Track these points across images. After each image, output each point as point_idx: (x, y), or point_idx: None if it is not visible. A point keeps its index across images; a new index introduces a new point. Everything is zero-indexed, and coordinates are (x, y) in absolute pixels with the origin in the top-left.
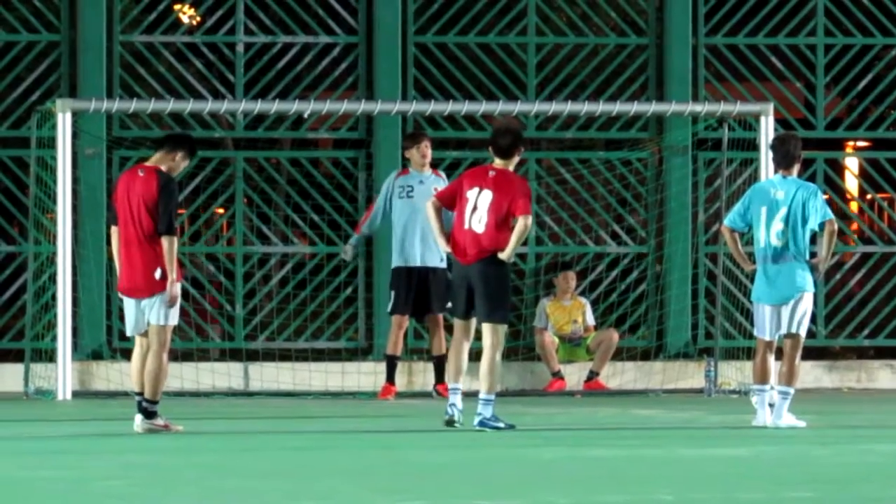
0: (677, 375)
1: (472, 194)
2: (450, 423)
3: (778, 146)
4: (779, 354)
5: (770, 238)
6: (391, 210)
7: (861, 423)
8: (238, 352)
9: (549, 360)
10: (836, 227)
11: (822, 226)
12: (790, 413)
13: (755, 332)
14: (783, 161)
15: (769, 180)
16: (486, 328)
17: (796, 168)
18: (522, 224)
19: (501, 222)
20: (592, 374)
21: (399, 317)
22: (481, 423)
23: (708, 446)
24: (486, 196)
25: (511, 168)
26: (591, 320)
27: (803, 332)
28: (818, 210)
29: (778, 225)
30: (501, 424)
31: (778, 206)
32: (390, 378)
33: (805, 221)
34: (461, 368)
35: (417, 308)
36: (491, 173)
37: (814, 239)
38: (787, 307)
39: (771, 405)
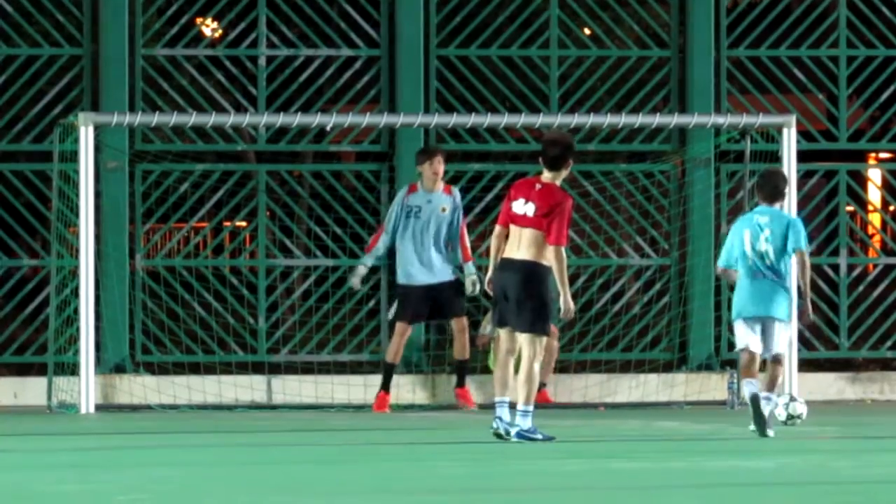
0: (700, 388)
1: (517, 206)
2: (498, 435)
3: (765, 182)
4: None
5: (755, 256)
6: (398, 228)
7: (884, 435)
8: (261, 365)
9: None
10: (807, 258)
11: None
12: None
13: (737, 347)
14: (770, 195)
15: (752, 210)
16: (526, 339)
17: (780, 203)
18: (555, 259)
19: (541, 237)
20: (539, 386)
21: (403, 325)
22: (519, 435)
23: (731, 458)
24: (531, 208)
25: (558, 182)
26: None
27: (785, 352)
28: (794, 237)
29: (763, 245)
30: (539, 437)
31: (762, 229)
32: (385, 386)
33: (785, 244)
34: (507, 381)
35: (433, 316)
36: (537, 186)
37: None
38: (767, 327)
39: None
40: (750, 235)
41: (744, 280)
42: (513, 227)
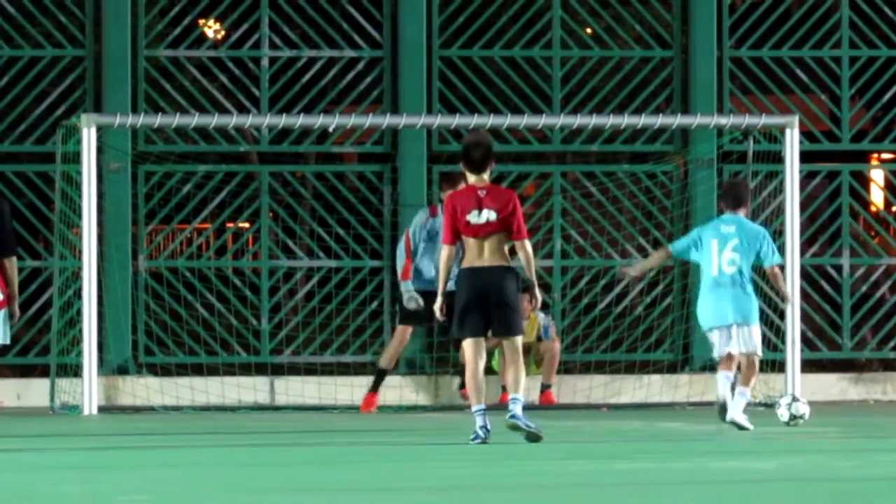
0: (703, 388)
1: (473, 217)
2: (483, 443)
3: (728, 190)
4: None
5: (722, 266)
6: (418, 249)
7: (886, 435)
8: (264, 366)
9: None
10: (778, 271)
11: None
12: (744, 414)
13: (714, 354)
14: (732, 202)
15: (717, 218)
16: (510, 342)
17: (743, 211)
18: (524, 252)
19: (503, 239)
20: (544, 387)
21: (404, 328)
22: (514, 417)
23: (733, 459)
24: (491, 214)
25: (488, 181)
26: (548, 335)
27: (758, 351)
28: (772, 253)
29: (729, 254)
30: (533, 425)
31: (729, 238)
32: (375, 388)
33: (754, 254)
34: (482, 387)
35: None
36: (481, 192)
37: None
38: (738, 329)
39: (734, 387)
40: (717, 245)
41: (710, 289)
42: (470, 240)
